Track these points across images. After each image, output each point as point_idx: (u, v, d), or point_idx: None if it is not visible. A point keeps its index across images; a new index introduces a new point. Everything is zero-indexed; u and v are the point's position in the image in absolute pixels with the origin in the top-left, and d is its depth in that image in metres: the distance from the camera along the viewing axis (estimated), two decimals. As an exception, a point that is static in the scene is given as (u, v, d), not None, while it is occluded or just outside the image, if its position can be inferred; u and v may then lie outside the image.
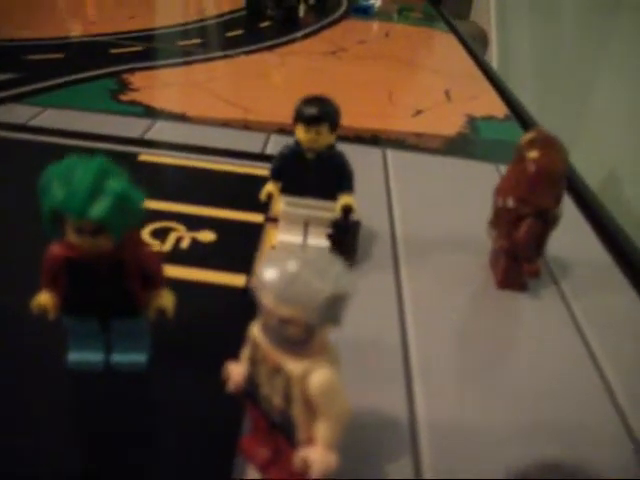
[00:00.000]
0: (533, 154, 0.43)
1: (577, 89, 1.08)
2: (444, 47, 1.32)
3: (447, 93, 0.95)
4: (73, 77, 0.84)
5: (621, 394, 0.38)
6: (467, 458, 0.32)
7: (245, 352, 0.28)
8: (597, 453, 0.34)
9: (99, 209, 0.28)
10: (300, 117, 0.42)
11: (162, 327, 0.34)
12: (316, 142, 0.43)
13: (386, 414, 0.34)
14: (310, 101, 0.43)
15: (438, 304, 0.44)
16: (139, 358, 0.35)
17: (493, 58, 1.67)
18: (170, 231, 0.49)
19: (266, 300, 0.23)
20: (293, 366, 0.24)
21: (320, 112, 0.42)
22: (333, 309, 0.23)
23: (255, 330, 0.26)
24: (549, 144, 0.43)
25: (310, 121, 0.42)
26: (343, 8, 1.54)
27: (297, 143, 0.44)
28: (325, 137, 0.43)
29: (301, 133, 0.43)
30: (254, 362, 0.27)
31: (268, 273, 0.23)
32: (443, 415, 0.35)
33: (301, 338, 0.24)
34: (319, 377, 0.24)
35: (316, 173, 0.44)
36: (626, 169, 0.87)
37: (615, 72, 0.94)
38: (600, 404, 0.37)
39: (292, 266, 0.23)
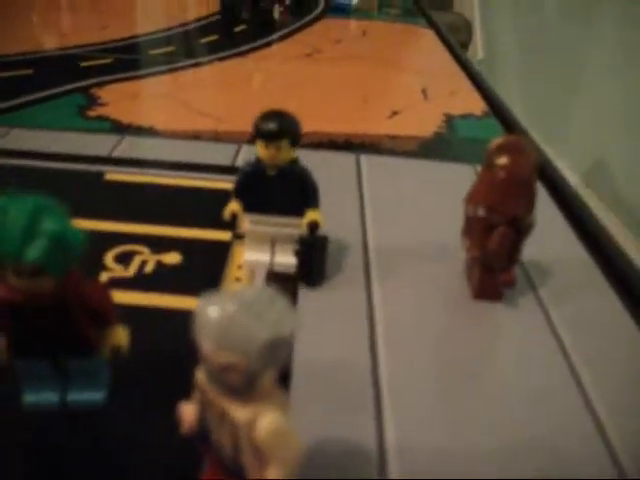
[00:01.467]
0: (502, 160, 0.42)
1: (564, 76, 1.07)
2: (422, 44, 1.31)
3: (424, 92, 0.94)
4: (42, 94, 0.82)
5: (601, 408, 0.37)
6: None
7: (195, 395, 0.26)
8: (576, 473, 0.32)
9: (35, 251, 0.27)
10: (259, 133, 0.41)
11: (126, 359, 0.33)
12: (277, 158, 0.41)
13: (354, 442, 0.33)
14: (269, 116, 0.41)
15: (412, 320, 0.43)
16: (95, 396, 0.34)
17: (478, 48, 1.66)
18: (134, 255, 0.47)
19: (204, 346, 0.22)
20: (238, 413, 0.23)
21: (279, 127, 0.40)
22: (273, 353, 0.22)
23: (200, 375, 0.25)
24: (518, 149, 0.42)
25: (269, 137, 0.41)
26: (320, 7, 1.52)
27: (258, 159, 0.42)
28: (286, 153, 0.41)
29: (261, 149, 0.41)
30: (204, 407, 0.25)
31: (204, 318, 0.22)
32: (414, 442, 0.33)
33: (243, 384, 0.22)
34: (266, 423, 0.23)
35: (279, 189, 0.42)
36: (614, 160, 0.86)
37: (602, 59, 0.93)
38: (579, 421, 0.36)
39: (228, 310, 0.21)
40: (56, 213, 0.28)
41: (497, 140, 0.43)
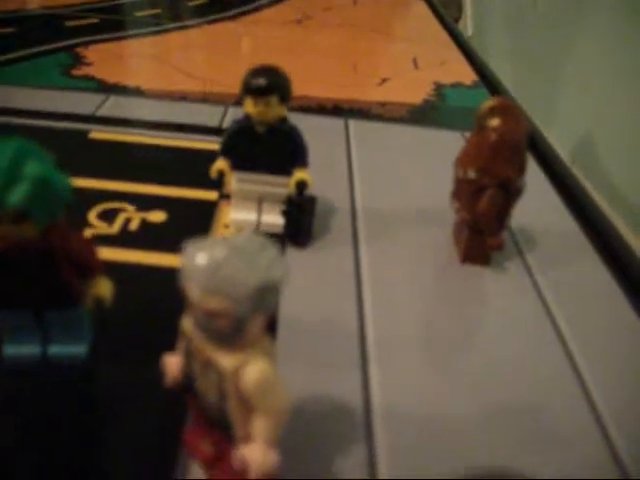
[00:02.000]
0: (494, 122, 0.41)
1: (554, 52, 1.06)
2: (413, 13, 1.29)
3: (415, 61, 0.93)
4: (25, 52, 0.80)
5: (586, 371, 0.37)
6: (425, 451, 0.31)
7: (180, 344, 0.26)
8: (563, 440, 0.32)
9: (16, 196, 0.26)
10: (248, 89, 0.40)
11: (109, 314, 0.32)
12: (266, 115, 0.41)
13: (340, 402, 0.33)
14: (258, 71, 0.40)
15: (398, 282, 0.43)
16: (78, 350, 0.33)
17: (467, 22, 1.64)
18: (119, 212, 0.46)
19: (191, 292, 0.21)
20: (224, 361, 0.23)
21: (269, 83, 0.40)
22: (263, 299, 0.21)
23: (186, 323, 0.24)
24: (509, 111, 0.42)
25: (258, 92, 0.40)
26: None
27: (247, 117, 0.41)
28: (275, 109, 0.40)
29: (250, 106, 0.40)
30: (189, 355, 0.25)
31: (191, 262, 0.21)
32: (400, 403, 0.33)
33: (231, 331, 0.22)
34: (252, 371, 0.22)
35: (268, 148, 0.42)
36: (602, 135, 0.86)
37: (594, 34, 0.92)
38: (567, 385, 0.36)
39: (217, 254, 0.21)
40: (40, 157, 0.27)
41: (488, 102, 0.43)
